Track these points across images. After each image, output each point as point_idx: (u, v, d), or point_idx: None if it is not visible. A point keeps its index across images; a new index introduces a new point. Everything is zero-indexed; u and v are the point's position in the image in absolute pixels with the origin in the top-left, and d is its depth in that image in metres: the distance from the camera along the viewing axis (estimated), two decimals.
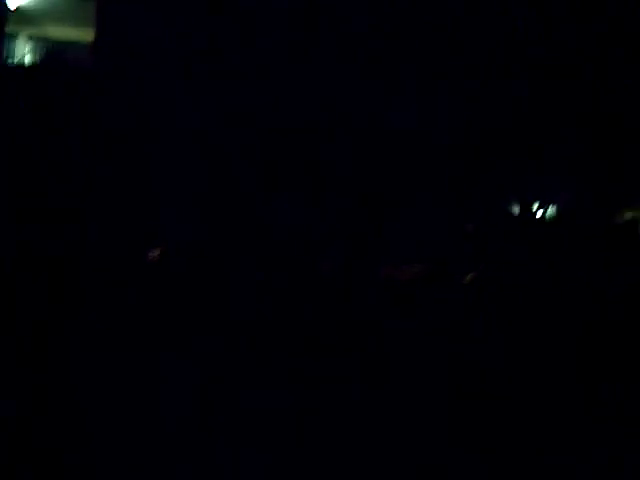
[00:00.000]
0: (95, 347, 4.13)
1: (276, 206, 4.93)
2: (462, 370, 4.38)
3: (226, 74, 5.02)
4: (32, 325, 4.20)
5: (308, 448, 3.39)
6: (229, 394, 3.87)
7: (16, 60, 5.16)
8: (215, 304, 4.57)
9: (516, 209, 5.00)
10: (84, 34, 5.10)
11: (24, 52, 5.15)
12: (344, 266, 4.91)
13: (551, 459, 3.31)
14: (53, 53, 5.03)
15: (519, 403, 3.88)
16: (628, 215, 5.00)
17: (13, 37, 5.22)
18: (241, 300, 4.60)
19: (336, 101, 4.99)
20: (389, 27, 5.06)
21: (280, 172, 4.95)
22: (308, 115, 4.98)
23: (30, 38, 5.23)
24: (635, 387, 3.84)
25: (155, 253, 4.87)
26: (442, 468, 3.23)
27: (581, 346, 4.35)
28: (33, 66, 5.11)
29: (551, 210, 4.95)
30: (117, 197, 4.79)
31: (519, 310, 4.64)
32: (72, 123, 4.79)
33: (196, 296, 4.63)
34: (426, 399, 3.93)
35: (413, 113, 4.97)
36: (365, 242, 4.92)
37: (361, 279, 4.88)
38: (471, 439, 3.47)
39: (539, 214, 4.97)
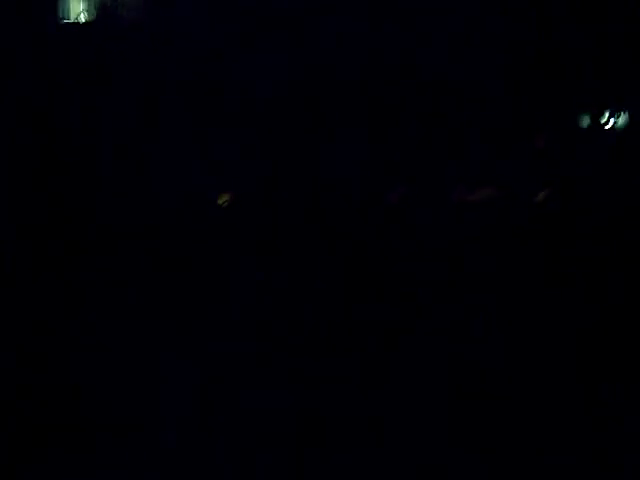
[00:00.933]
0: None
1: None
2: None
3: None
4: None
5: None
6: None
7: (71, 19, 5.20)
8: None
9: (585, 120, 4.87)
10: None
11: (79, 11, 5.18)
12: (413, 193, 4.91)
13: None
14: (108, 9, 5.05)
15: None
16: None
17: None
18: (303, 238, 4.67)
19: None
20: None
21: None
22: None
23: None
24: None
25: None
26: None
27: None
28: (88, 24, 5.15)
29: (623, 118, 4.80)
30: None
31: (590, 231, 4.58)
32: (128, 79, 4.86)
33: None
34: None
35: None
36: (434, 165, 4.88)
37: (434, 204, 4.87)
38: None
39: (610, 123, 4.82)
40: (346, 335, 4.19)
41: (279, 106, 4.90)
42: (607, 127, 4.89)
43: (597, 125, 4.86)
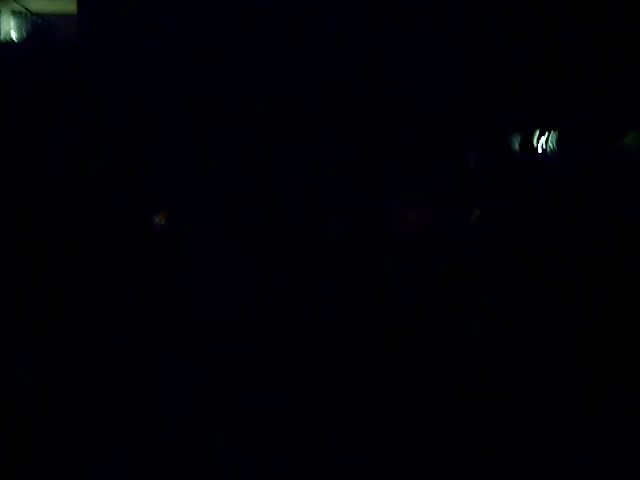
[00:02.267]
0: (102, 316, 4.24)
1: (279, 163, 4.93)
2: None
3: (222, 46, 4.94)
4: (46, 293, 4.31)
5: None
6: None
7: (1, 36, 5.12)
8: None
9: (516, 142, 4.94)
10: (68, 5, 5.03)
11: (8, 28, 5.10)
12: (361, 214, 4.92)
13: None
14: (38, 28, 4.97)
15: None
16: (631, 137, 4.92)
17: None
18: (248, 260, 4.66)
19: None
20: None
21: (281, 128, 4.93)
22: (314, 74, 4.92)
23: (14, 13, 5.16)
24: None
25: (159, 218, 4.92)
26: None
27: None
28: (18, 42, 5.07)
29: (552, 138, 4.88)
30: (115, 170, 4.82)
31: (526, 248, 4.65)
32: (63, 97, 4.80)
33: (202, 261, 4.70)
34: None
35: (413, 61, 4.89)
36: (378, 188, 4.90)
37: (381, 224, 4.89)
38: None
39: (540, 144, 4.90)
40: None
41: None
42: (539, 149, 4.97)
43: (529, 147, 4.94)
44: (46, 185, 4.83)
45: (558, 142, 4.91)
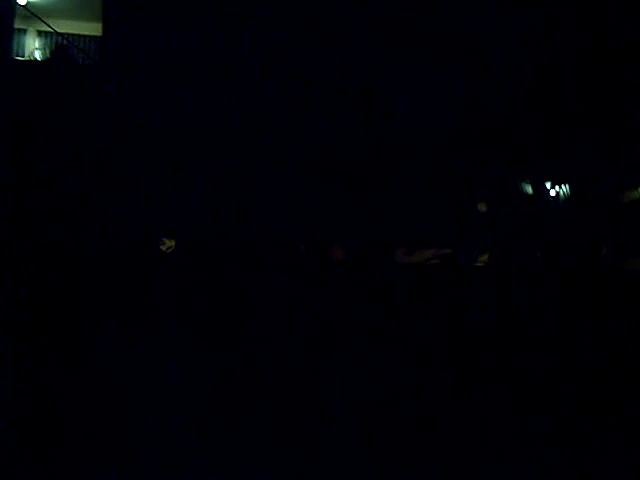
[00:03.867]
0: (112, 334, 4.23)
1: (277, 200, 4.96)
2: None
3: (233, 73, 5.01)
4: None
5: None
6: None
7: (26, 55, 5.19)
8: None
9: (529, 188, 4.96)
10: (94, 28, 5.12)
11: (33, 47, 5.17)
12: (358, 252, 4.93)
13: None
14: (62, 48, 5.04)
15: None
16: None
17: (22, 32, 5.24)
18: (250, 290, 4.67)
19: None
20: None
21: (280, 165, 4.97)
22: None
23: (39, 33, 5.24)
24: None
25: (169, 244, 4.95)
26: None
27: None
28: (42, 61, 5.14)
29: (564, 188, 4.90)
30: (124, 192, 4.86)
31: (532, 292, 4.64)
32: (80, 117, 4.85)
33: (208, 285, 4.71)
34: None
35: (417, 97, 4.94)
36: (377, 228, 4.93)
37: (377, 264, 4.90)
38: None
39: (552, 192, 4.92)
40: None
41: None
42: (551, 195, 4.98)
43: (541, 193, 4.95)
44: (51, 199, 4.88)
45: (569, 190, 4.93)
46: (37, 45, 5.19)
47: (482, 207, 4.94)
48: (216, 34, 5.07)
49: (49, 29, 5.09)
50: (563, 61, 4.98)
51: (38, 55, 5.17)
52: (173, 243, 5.02)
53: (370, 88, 4.93)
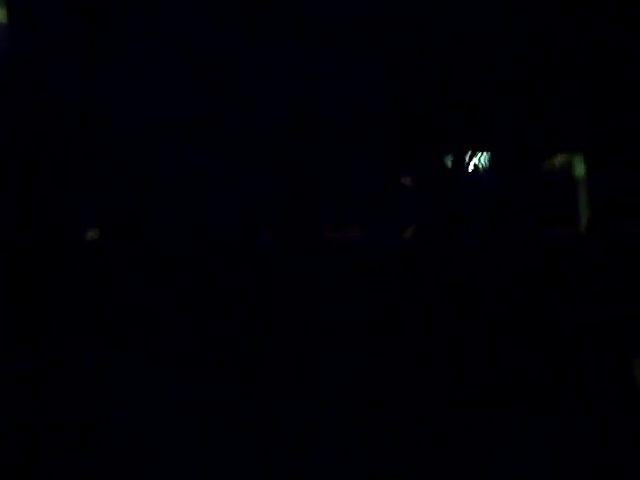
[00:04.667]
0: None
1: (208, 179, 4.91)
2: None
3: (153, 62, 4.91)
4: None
5: None
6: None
7: None
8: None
9: (449, 160, 5.02)
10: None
11: None
12: (285, 231, 4.94)
13: None
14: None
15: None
16: (559, 160, 5.05)
17: None
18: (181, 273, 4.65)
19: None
20: None
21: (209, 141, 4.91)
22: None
23: None
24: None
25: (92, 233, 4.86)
26: None
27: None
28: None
29: (484, 159, 4.98)
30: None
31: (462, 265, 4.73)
32: None
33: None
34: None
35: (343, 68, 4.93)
36: (302, 206, 4.94)
37: (304, 243, 4.92)
38: None
39: (473, 162, 4.99)
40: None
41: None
42: (470, 167, 5.05)
43: (461, 164, 5.02)
44: None
45: (490, 161, 5.01)
46: None
47: (406, 181, 4.99)
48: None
49: None
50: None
51: None
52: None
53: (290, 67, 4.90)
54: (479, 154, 5.00)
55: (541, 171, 5.00)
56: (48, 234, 4.71)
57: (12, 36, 4.94)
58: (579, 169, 5.01)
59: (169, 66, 4.90)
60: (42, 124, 4.92)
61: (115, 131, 4.89)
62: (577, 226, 5.06)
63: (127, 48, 4.90)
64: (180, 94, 4.90)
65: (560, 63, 4.88)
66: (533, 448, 3.49)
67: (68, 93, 4.92)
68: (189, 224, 4.89)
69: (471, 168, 5.00)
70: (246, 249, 4.88)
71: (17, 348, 4.11)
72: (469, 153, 5.00)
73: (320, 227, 4.88)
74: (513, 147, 5.00)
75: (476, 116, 4.96)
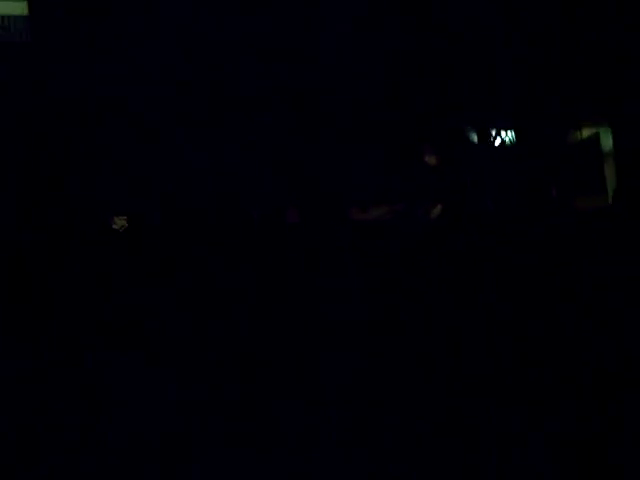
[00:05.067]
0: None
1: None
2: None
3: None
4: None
5: None
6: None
7: None
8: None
9: (475, 137, 4.99)
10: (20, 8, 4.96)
11: None
12: (309, 212, 4.94)
13: None
14: None
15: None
16: (587, 132, 5.00)
17: None
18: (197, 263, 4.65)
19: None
20: None
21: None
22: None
23: None
24: None
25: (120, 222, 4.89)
26: None
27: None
28: None
29: (510, 134, 4.94)
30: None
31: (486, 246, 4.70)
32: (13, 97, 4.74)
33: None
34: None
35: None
36: (325, 187, 4.93)
37: (329, 223, 4.91)
38: None
39: (499, 139, 4.96)
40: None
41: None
42: (496, 144, 5.02)
43: (486, 142, 4.99)
44: None
45: (516, 137, 4.97)
46: None
47: (431, 160, 4.96)
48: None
49: None
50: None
51: None
52: (124, 222, 4.96)
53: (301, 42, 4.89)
54: (504, 130, 4.98)
55: (568, 145, 4.97)
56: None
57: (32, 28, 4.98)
58: (606, 142, 4.97)
59: (174, 64, 4.93)
60: (52, 120, 4.95)
61: (122, 128, 4.92)
62: (605, 198, 5.02)
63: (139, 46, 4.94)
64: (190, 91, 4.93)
65: (587, 39, 4.84)
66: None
67: (81, 88, 4.95)
68: (213, 204, 4.90)
69: (497, 144, 4.98)
70: (271, 230, 4.88)
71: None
72: (495, 129, 4.98)
73: (346, 208, 4.86)
74: (539, 122, 4.96)
75: (500, 92, 4.93)
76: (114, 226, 4.94)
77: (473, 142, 4.94)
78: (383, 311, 4.44)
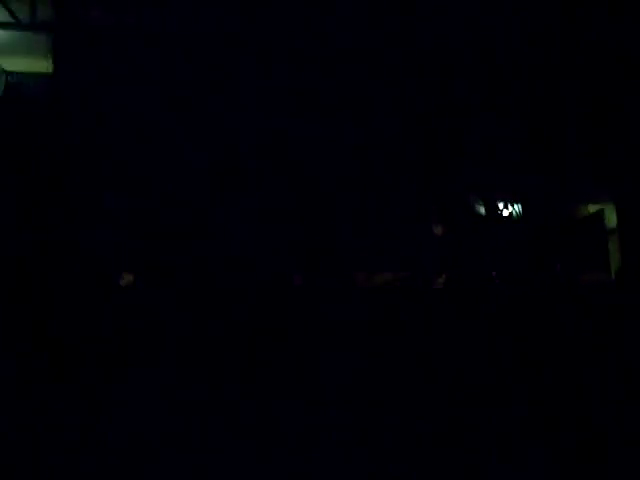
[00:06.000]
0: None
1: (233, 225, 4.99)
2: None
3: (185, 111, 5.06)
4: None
5: None
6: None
7: None
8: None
9: (482, 209, 5.06)
10: (44, 65, 5.09)
11: None
12: (315, 277, 4.98)
13: None
14: (11, 86, 5.01)
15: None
16: (592, 209, 5.07)
17: None
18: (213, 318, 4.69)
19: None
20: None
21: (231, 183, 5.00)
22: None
23: None
24: None
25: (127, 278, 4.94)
26: None
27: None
28: None
29: (517, 208, 5.01)
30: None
31: (493, 310, 4.73)
32: (33, 153, 4.83)
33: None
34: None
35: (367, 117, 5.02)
36: (334, 253, 4.99)
37: (336, 288, 4.94)
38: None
39: (506, 212, 5.02)
40: None
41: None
42: (504, 216, 5.08)
43: (494, 214, 5.05)
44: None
45: (523, 209, 5.04)
46: None
47: (437, 230, 5.02)
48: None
49: None
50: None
51: None
52: (131, 277, 5.00)
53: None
54: (512, 204, 5.05)
55: (574, 220, 5.03)
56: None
57: (57, 85, 5.10)
58: (611, 219, 5.05)
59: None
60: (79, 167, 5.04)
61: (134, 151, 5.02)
62: (609, 274, 5.06)
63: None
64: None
65: (594, 114, 4.94)
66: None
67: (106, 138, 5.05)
68: (217, 259, 4.95)
69: (504, 216, 5.04)
70: (279, 293, 4.92)
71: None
72: (502, 203, 5.05)
73: (353, 273, 4.91)
74: (545, 197, 5.03)
75: (508, 165, 5.01)
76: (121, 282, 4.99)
77: (480, 214, 5.00)
78: (387, 374, 4.46)
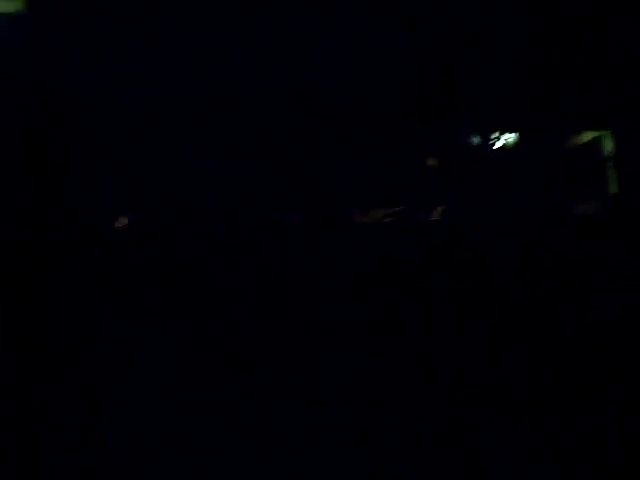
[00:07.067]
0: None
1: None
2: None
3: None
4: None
5: None
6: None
7: None
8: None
9: (475, 139, 4.97)
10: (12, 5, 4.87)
11: None
12: (313, 215, 4.92)
13: None
14: None
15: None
16: (588, 136, 4.99)
17: None
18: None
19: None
20: None
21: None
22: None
23: None
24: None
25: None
26: None
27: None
28: None
29: (511, 137, 4.93)
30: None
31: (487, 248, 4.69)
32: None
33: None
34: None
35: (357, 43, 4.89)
36: (329, 190, 4.92)
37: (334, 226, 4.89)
38: None
39: (499, 142, 4.95)
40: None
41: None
42: (497, 146, 5.00)
43: (488, 144, 4.97)
44: None
45: (518, 140, 4.96)
46: None
47: (431, 161, 4.95)
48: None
49: None
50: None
51: None
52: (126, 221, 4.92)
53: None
54: (506, 133, 4.96)
55: (569, 148, 4.96)
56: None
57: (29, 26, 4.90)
58: (608, 146, 4.97)
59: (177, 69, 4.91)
60: (50, 119, 4.90)
61: (125, 130, 4.90)
62: (606, 202, 5.02)
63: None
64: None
65: (593, 41, 4.83)
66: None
67: (80, 87, 4.89)
68: (216, 207, 4.88)
69: (498, 146, 4.96)
70: (275, 233, 4.87)
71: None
72: (496, 132, 4.96)
73: (350, 211, 4.85)
74: (541, 125, 4.95)
75: (503, 94, 4.91)
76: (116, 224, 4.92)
77: (475, 145, 4.92)
78: (383, 312, 4.44)
